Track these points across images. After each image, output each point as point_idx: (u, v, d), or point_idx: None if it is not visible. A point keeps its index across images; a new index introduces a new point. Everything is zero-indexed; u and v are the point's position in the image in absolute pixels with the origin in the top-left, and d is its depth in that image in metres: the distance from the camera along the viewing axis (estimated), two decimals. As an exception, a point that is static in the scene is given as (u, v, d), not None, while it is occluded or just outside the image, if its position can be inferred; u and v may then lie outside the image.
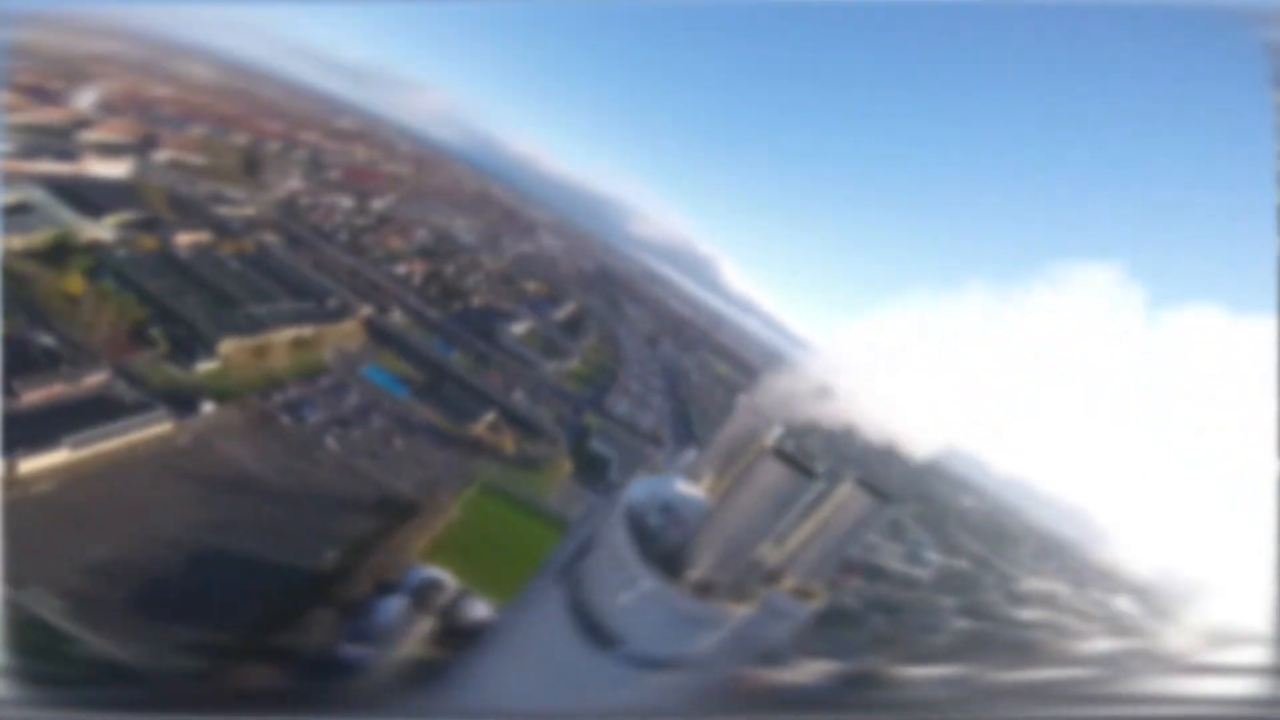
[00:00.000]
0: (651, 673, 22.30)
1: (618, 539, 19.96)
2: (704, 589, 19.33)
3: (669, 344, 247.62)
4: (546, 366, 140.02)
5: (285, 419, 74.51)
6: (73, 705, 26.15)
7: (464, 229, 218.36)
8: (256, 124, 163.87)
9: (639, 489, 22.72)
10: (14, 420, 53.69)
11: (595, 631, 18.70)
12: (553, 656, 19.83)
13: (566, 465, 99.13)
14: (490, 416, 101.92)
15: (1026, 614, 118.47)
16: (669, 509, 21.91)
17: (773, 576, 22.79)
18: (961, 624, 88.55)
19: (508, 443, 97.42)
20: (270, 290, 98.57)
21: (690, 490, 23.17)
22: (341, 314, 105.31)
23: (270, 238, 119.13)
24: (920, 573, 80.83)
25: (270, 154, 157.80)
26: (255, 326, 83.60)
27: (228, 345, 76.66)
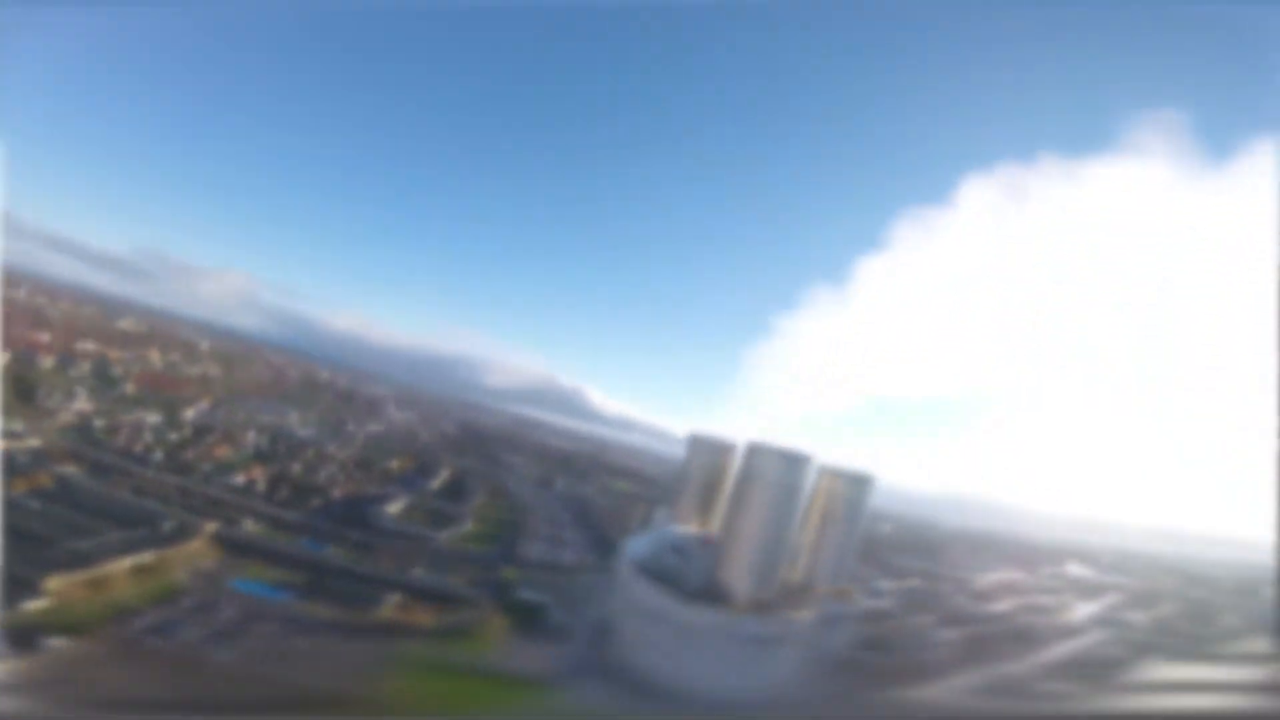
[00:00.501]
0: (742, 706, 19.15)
1: (646, 596, 17.82)
2: (759, 606, 18.11)
3: (562, 480, 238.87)
4: (440, 536, 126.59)
5: (154, 641, 58.88)
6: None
7: (299, 423, 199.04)
8: (19, 338, 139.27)
9: (635, 548, 21.09)
10: None
11: (666, 696, 16.23)
12: None
13: (500, 623, 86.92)
14: (395, 598, 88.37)
15: (1000, 606, 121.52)
16: (680, 549, 20.91)
17: (806, 589, 21.75)
18: (949, 634, 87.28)
19: (425, 617, 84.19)
20: (85, 523, 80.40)
21: (686, 528, 22.16)
22: (182, 535, 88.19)
23: (68, 469, 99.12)
24: (884, 603, 79.84)
25: (44, 372, 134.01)
26: (80, 560, 66.65)
27: (55, 583, 59.86)
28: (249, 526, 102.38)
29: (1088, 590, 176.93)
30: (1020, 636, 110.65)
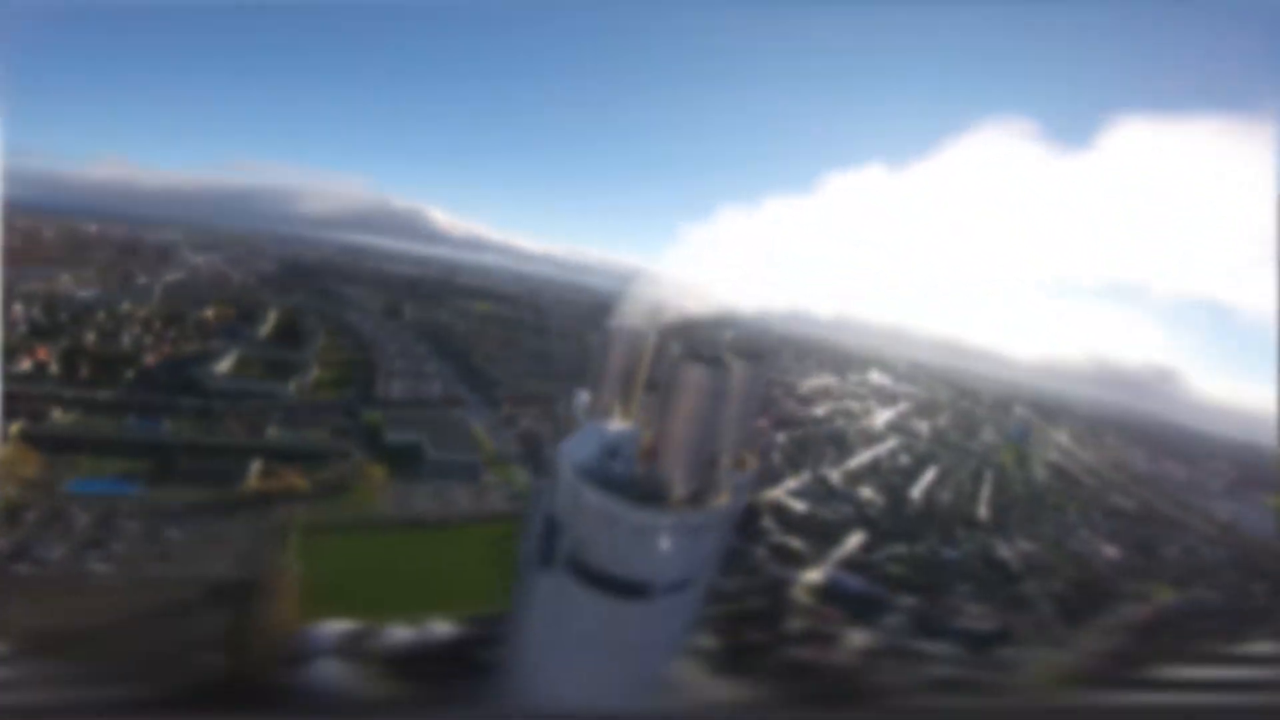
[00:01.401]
0: (689, 591, 22.67)
1: (591, 501, 19.41)
2: (696, 499, 20.26)
3: (411, 307, 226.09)
4: (286, 389, 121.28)
5: (25, 569, 56.21)
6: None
7: (75, 283, 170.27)
8: None
9: (572, 451, 21.98)
10: None
11: (624, 587, 17.68)
12: (600, 631, 19.20)
13: (377, 470, 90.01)
14: (257, 465, 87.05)
15: (819, 409, 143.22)
16: (616, 451, 21.67)
17: (713, 463, 24.26)
18: (782, 437, 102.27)
19: (296, 480, 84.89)
20: None
21: (617, 427, 23.22)
22: None
23: None
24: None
25: None
26: None
27: None
28: (59, 417, 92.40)
29: (886, 397, 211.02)
30: (835, 440, 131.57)
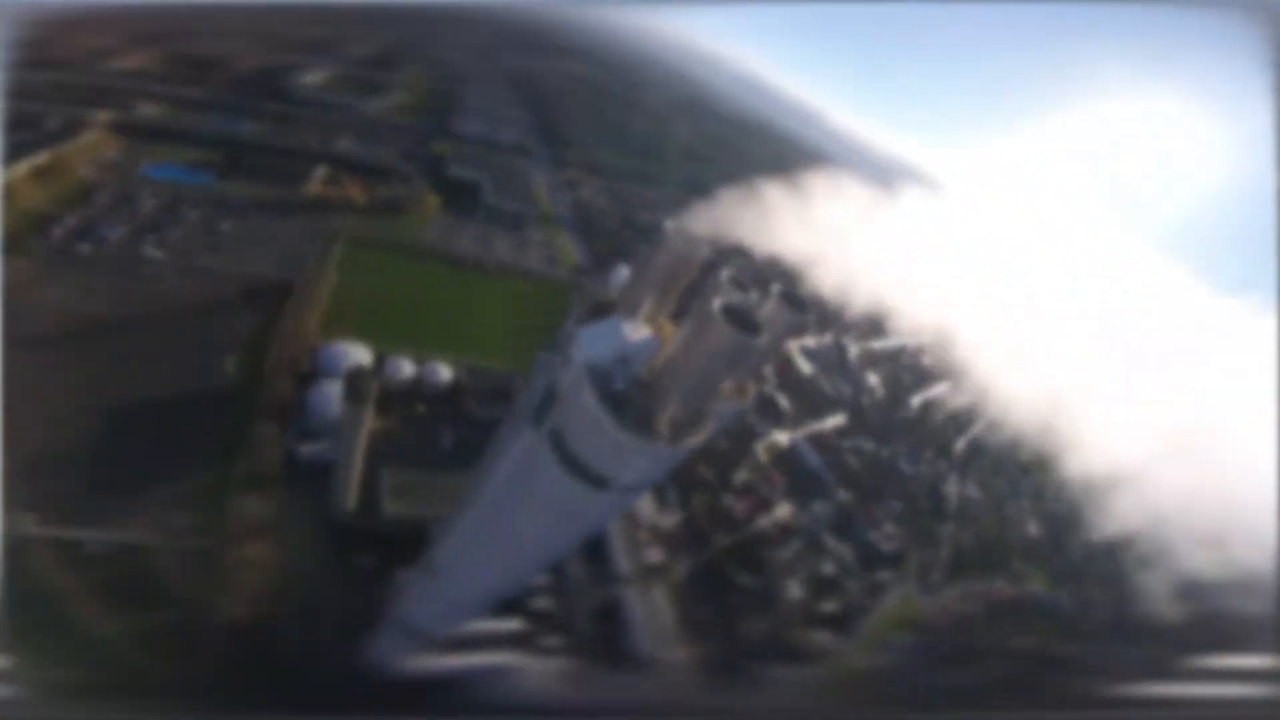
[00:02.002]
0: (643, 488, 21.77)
1: (586, 403, 18.36)
2: (676, 435, 18.32)
3: (511, 53, 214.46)
4: (366, 107, 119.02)
5: (84, 248, 60.62)
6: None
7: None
8: None
9: (590, 343, 19.69)
10: None
11: (587, 475, 19.30)
12: (555, 498, 20.99)
13: (432, 200, 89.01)
14: (322, 171, 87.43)
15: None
16: (626, 363, 19.47)
17: (710, 397, 21.97)
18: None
19: (355, 193, 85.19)
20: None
21: (638, 334, 20.80)
22: (70, 130, 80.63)
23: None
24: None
25: None
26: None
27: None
28: (150, 110, 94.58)
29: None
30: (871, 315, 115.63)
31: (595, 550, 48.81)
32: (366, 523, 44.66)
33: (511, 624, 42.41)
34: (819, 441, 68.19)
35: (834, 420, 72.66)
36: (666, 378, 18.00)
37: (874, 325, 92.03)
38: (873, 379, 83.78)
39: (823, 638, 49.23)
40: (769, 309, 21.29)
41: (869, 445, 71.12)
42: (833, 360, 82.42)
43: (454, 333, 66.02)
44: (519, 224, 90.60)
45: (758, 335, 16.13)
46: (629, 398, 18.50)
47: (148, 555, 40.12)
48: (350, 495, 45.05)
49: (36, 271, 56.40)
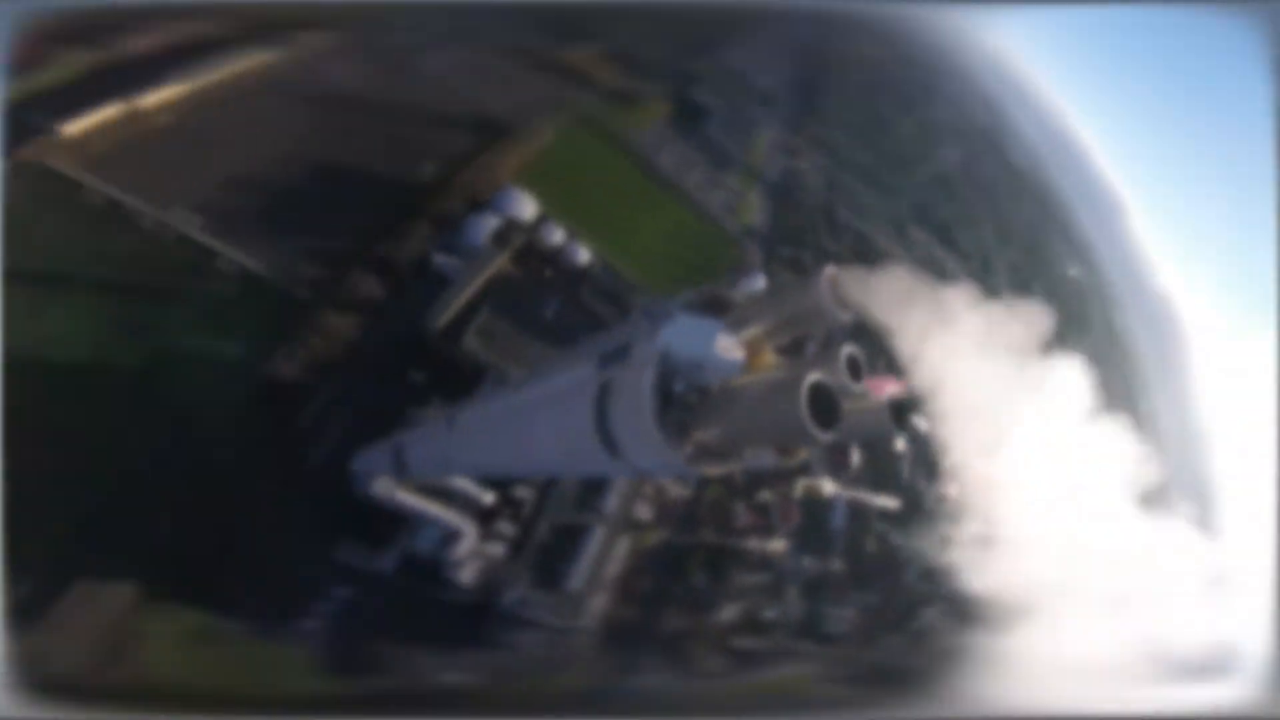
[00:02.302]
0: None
1: (642, 384, 17.78)
2: (696, 457, 17.80)
3: (808, 24, 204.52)
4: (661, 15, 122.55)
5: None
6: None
7: None
8: None
9: (681, 332, 18.77)
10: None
11: (607, 438, 19.07)
12: (574, 437, 20.96)
13: (664, 108, 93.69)
14: (592, 52, 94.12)
15: None
16: (700, 369, 18.19)
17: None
18: None
19: (607, 74, 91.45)
20: None
21: (731, 351, 18.52)
22: None
23: None
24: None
25: None
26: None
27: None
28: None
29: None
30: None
31: (596, 479, 52.43)
32: (442, 344, 52.94)
33: (485, 495, 46.87)
34: (856, 507, 68.42)
35: (886, 501, 71.94)
36: (724, 406, 17.78)
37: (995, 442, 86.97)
38: (952, 489, 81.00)
39: (714, 664, 51.49)
40: (863, 406, 19.85)
41: (897, 541, 70.30)
42: (925, 453, 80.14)
43: (611, 226, 71.99)
44: (723, 164, 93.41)
45: (829, 429, 14.56)
46: (682, 401, 18.21)
47: (259, 284, 49.40)
48: (445, 316, 53.56)
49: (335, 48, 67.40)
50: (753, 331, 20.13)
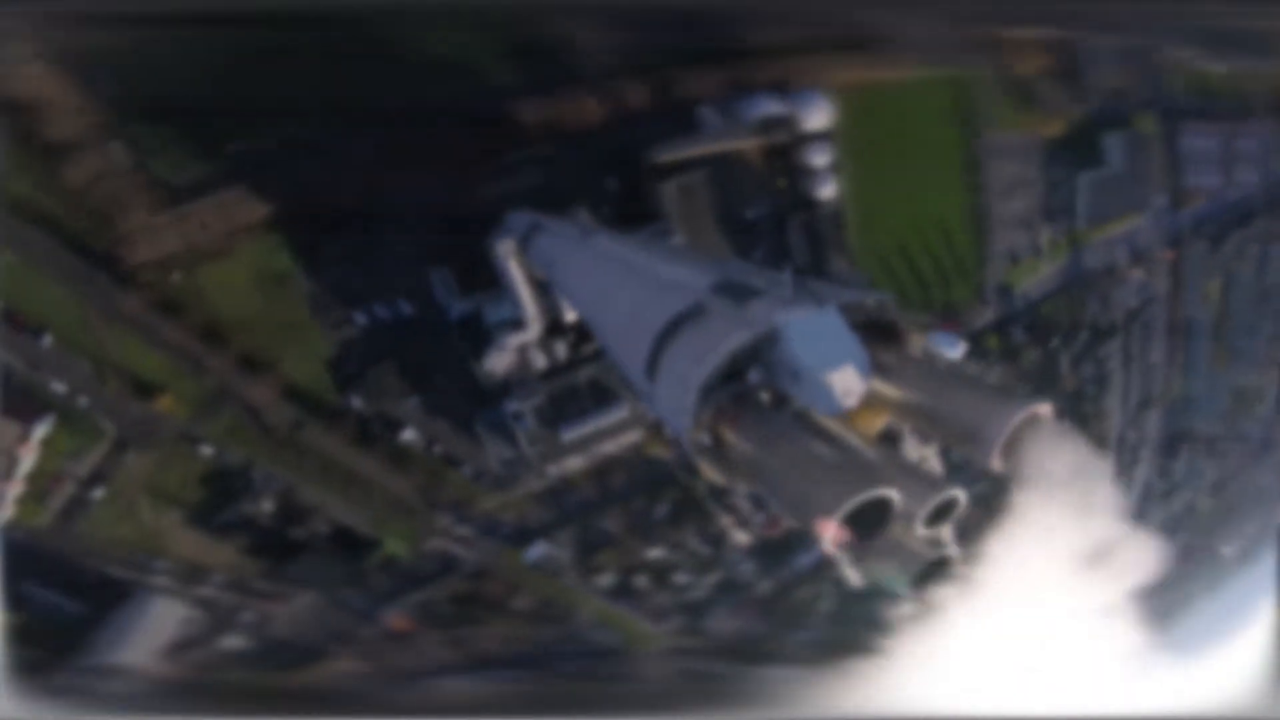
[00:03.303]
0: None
1: (720, 345, 13.97)
2: (704, 451, 14.74)
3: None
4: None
5: None
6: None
7: None
8: None
9: (813, 328, 14.07)
10: None
11: (655, 357, 15.98)
12: (636, 328, 18.20)
13: (1057, 128, 77.84)
14: (1037, 35, 78.67)
15: None
16: (795, 379, 13.78)
17: None
18: None
19: (1032, 65, 76.97)
20: None
21: (845, 384, 14.27)
22: None
23: None
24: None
25: None
26: None
27: None
28: None
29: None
30: None
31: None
32: (649, 173, 53.41)
33: (570, 312, 46.29)
34: (825, 563, 61.98)
35: (854, 576, 63.33)
36: (781, 435, 14.83)
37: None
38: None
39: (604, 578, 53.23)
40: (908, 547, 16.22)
41: (829, 606, 62.71)
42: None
43: (881, 183, 64.84)
44: (1054, 216, 77.24)
45: (862, 538, 12.55)
46: (746, 391, 14.93)
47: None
48: (670, 156, 53.53)
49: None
50: (887, 391, 15.80)
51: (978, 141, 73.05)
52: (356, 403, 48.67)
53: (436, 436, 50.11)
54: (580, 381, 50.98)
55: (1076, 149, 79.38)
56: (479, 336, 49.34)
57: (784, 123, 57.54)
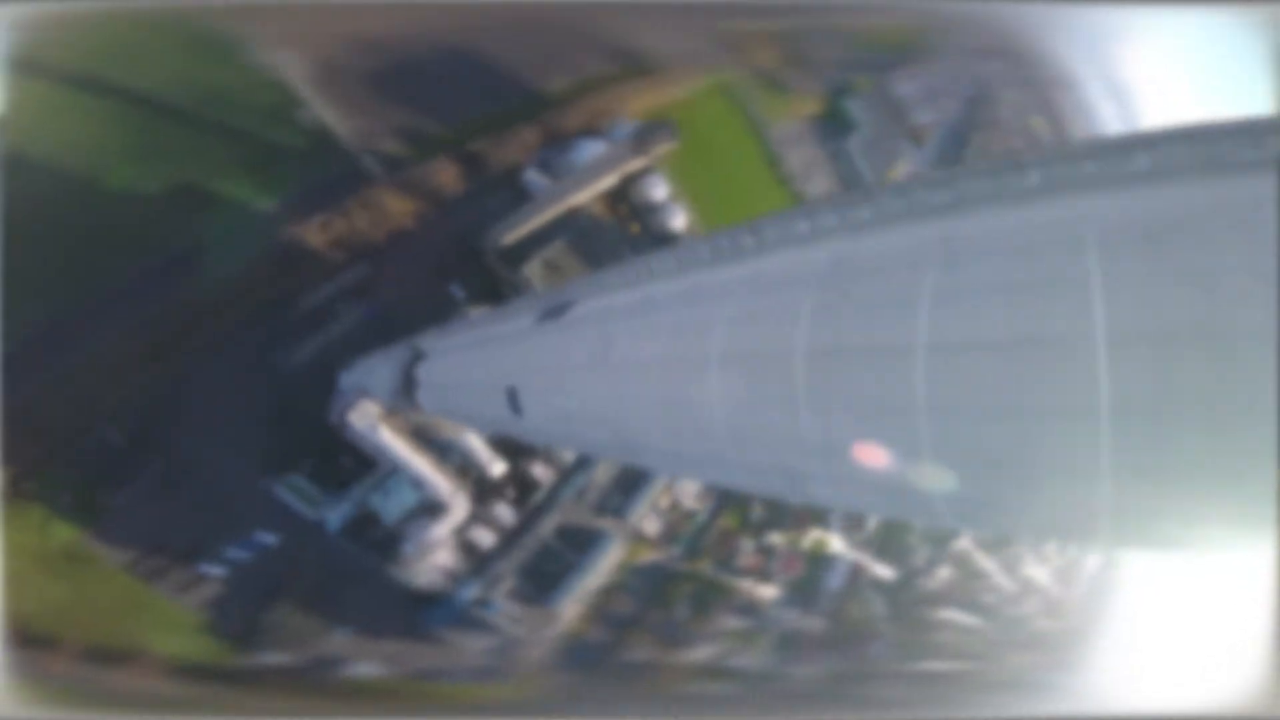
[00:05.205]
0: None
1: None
2: None
3: (999, 64, 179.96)
4: (849, 18, 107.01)
5: None
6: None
7: None
8: None
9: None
10: None
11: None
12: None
13: (813, 106, 79.36)
14: (767, 27, 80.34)
15: None
16: None
17: None
18: None
19: (767, 55, 77.76)
20: None
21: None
22: None
23: None
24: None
25: None
26: None
27: None
28: None
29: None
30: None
31: (627, 482, 42.34)
32: (499, 263, 42.76)
33: (496, 463, 36.55)
34: (853, 572, 56.66)
35: (884, 570, 59.95)
36: None
37: (1000, 540, 73.38)
38: (944, 572, 67.80)
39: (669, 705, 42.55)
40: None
41: (879, 609, 58.18)
42: (941, 533, 67.29)
43: (717, 199, 60.54)
44: (850, 184, 79.17)
45: None
46: None
47: (330, 146, 40.10)
48: (512, 235, 43.19)
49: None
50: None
51: (765, 136, 71.64)
52: (272, 657, 30.49)
53: (395, 658, 33.15)
54: (548, 538, 37.27)
55: (834, 120, 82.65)
56: (381, 542, 32.90)
57: (636, 148, 47.76)
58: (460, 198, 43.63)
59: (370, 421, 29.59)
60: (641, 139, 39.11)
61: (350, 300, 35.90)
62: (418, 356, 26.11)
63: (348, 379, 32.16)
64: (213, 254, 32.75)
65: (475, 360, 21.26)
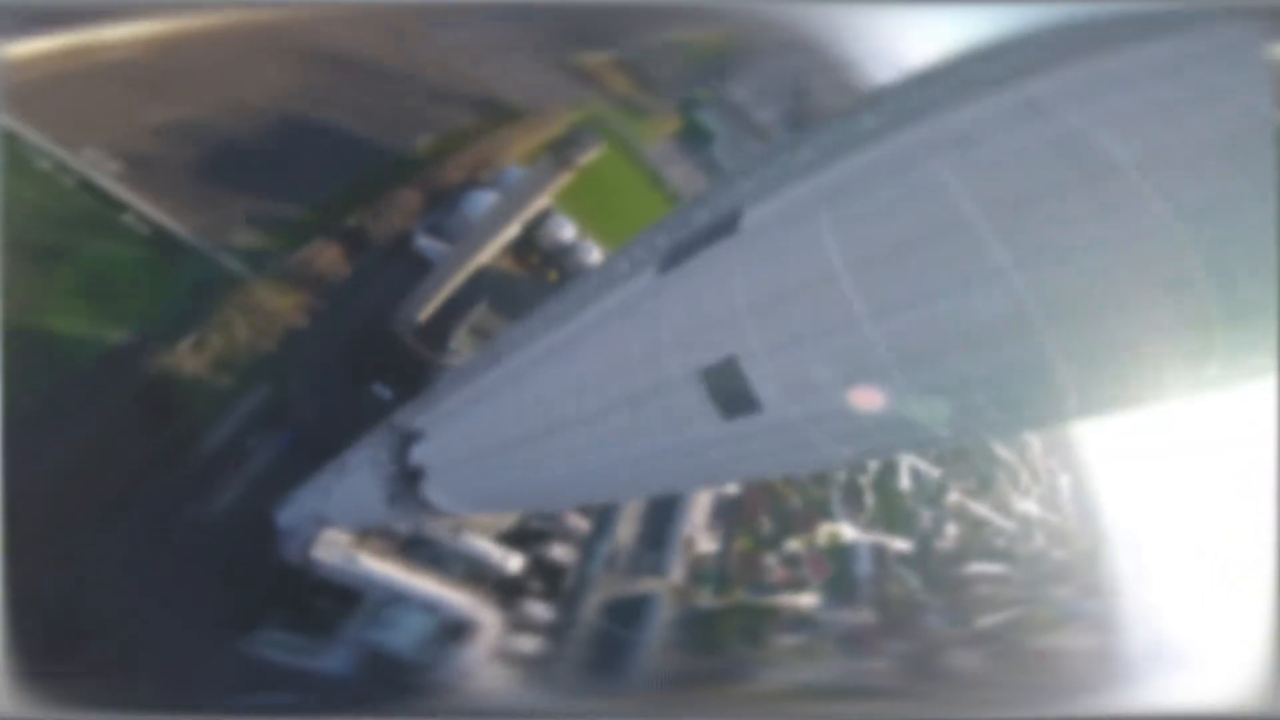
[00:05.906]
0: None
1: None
2: None
3: (806, 57, 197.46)
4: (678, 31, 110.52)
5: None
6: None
7: None
8: None
9: None
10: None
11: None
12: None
13: (674, 124, 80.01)
14: (605, 57, 80.00)
15: None
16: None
17: None
18: None
19: (622, 83, 77.39)
20: None
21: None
22: None
23: None
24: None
25: None
26: None
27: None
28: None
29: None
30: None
31: (650, 537, 38.21)
32: (419, 344, 36.56)
33: (511, 559, 30.68)
34: (877, 554, 55.90)
35: (901, 544, 59.78)
36: None
37: (982, 485, 76.40)
38: (951, 529, 69.28)
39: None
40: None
41: (914, 583, 57.74)
42: (931, 492, 68.39)
43: (619, 227, 57.79)
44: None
45: None
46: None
47: (174, 249, 33.30)
48: (423, 310, 37.34)
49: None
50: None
51: (643, 158, 70.78)
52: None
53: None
54: (595, 621, 31.29)
55: (694, 134, 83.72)
56: (400, 674, 26.05)
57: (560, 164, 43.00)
58: (349, 279, 37.14)
59: (342, 552, 23.08)
60: (562, 154, 35.32)
61: (259, 431, 28.41)
62: (407, 441, 19.50)
63: (287, 515, 25.49)
64: (69, 407, 24.36)
65: (503, 405, 15.96)
